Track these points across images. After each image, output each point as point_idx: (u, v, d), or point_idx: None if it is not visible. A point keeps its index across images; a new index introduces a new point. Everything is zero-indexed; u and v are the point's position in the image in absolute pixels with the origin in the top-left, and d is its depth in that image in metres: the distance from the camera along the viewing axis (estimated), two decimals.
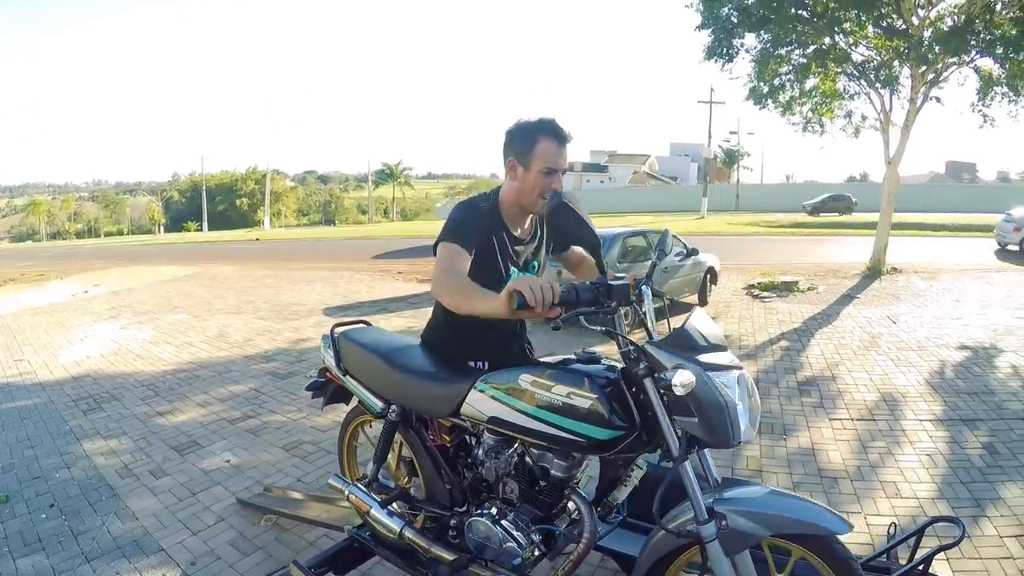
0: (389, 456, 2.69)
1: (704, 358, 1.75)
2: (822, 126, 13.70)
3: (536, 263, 2.47)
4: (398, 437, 2.61)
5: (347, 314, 10.35)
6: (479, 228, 2.22)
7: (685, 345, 1.78)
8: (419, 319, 9.77)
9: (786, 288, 11.24)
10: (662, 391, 1.76)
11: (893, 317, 8.63)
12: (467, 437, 2.41)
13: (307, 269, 17.93)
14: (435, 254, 2.15)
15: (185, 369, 6.96)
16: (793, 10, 11.91)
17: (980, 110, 12.55)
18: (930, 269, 13.37)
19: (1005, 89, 12.10)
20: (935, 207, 36.15)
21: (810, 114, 13.61)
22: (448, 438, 2.43)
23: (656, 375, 1.75)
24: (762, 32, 12.43)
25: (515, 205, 2.31)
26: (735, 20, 12.45)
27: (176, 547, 3.30)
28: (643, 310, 2.01)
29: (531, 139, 2.20)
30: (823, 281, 12.18)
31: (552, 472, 2.01)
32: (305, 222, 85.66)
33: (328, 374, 2.91)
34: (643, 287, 2.04)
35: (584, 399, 1.84)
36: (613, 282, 1.89)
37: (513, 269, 2.35)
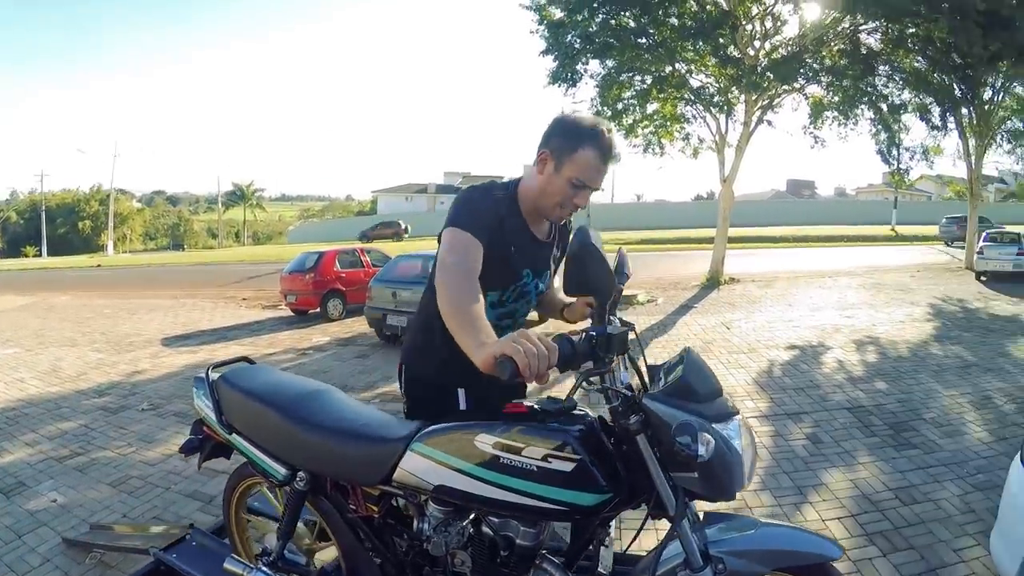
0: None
1: (706, 409, 1.52)
2: (662, 148, 14.39)
3: (548, 272, 2.18)
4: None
5: (186, 344, 10.05)
6: (493, 218, 1.90)
7: (685, 396, 1.53)
8: (258, 347, 9.62)
9: (625, 301, 11.44)
10: (655, 447, 1.53)
11: (727, 323, 9.05)
12: (400, 502, 2.00)
13: (149, 297, 17.27)
14: (439, 242, 1.87)
15: (13, 407, 6.55)
16: (635, 38, 12.49)
17: (812, 132, 13.63)
18: (767, 278, 14.29)
19: (836, 113, 13.15)
20: (777, 221, 39.14)
21: (651, 136, 14.27)
22: (375, 508, 1.99)
23: (674, 438, 1.45)
24: (605, 59, 12.93)
25: (533, 202, 2.00)
26: (577, 46, 12.86)
27: None
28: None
29: (576, 140, 1.88)
30: (663, 293, 12.66)
31: (518, 541, 1.73)
32: (152, 246, 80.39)
33: (206, 429, 2.33)
34: (612, 320, 1.77)
35: (565, 461, 1.53)
36: (612, 330, 1.60)
37: (527, 272, 2.06)
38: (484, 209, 1.90)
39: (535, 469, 1.55)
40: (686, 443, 1.42)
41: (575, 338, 1.53)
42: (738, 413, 1.58)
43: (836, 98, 13.00)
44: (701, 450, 1.41)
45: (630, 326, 1.76)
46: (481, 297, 1.68)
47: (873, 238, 28.45)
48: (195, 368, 7.81)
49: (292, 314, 12.83)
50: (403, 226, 43.56)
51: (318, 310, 12.34)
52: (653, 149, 14.30)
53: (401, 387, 2.24)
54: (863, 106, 13.21)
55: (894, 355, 6.80)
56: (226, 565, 2.21)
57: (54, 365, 8.66)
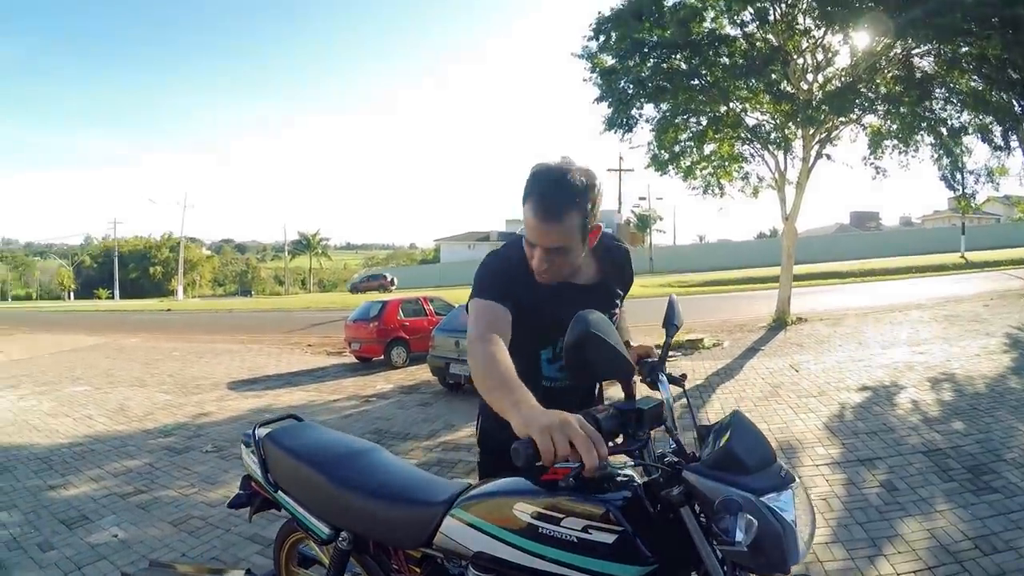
0: None
1: (755, 480, 1.40)
2: (721, 188, 14.17)
3: (611, 314, 2.00)
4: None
5: (252, 388, 10.32)
6: (515, 279, 1.85)
7: (732, 467, 1.42)
8: (322, 393, 9.83)
9: (691, 346, 11.30)
10: (701, 517, 1.45)
11: (795, 365, 8.81)
12: (443, 562, 1.92)
13: (217, 342, 17.80)
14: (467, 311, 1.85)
15: (81, 442, 6.91)
16: (687, 80, 12.52)
17: (872, 163, 13.32)
18: (835, 316, 13.84)
19: (895, 141, 12.86)
20: (843, 256, 38.06)
21: (710, 178, 14.09)
22: (418, 569, 1.95)
23: (715, 521, 1.38)
24: (659, 102, 12.96)
25: None
26: (631, 92, 12.92)
27: None
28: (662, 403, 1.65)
29: (524, 196, 1.80)
30: (729, 336, 12.38)
31: None
32: (220, 292, 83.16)
33: (253, 484, 2.37)
34: (660, 375, 1.73)
35: (607, 532, 1.44)
36: (643, 405, 1.55)
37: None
38: (502, 273, 1.88)
39: (575, 540, 1.47)
40: (724, 527, 1.34)
41: (600, 415, 1.48)
42: (793, 480, 1.45)
43: (894, 126, 12.70)
44: (739, 536, 1.31)
45: (680, 382, 1.69)
46: (507, 356, 1.64)
47: (943, 267, 27.43)
48: (260, 412, 8.11)
49: (356, 361, 13.05)
50: (388, 278, 49.74)
51: (382, 357, 12.55)
52: (712, 190, 14.10)
53: (477, 440, 2.24)
54: (922, 132, 12.86)
55: (970, 392, 6.53)
56: None
57: (122, 404, 9.07)
